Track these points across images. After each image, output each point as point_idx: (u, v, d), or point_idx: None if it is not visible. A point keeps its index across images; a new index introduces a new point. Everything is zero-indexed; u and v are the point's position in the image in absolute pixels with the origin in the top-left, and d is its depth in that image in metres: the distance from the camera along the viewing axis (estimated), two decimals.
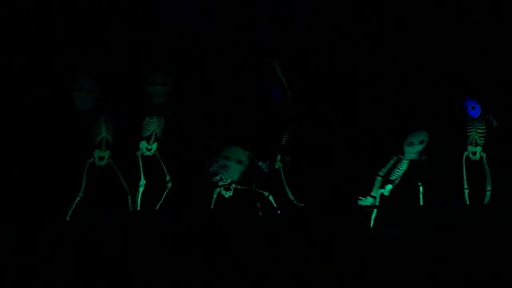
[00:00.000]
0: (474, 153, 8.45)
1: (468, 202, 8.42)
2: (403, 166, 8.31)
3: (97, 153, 7.77)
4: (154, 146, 7.91)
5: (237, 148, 7.93)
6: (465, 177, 8.43)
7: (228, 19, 8.67)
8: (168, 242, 7.12)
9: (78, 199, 7.71)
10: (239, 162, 7.87)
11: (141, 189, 7.88)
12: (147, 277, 6.65)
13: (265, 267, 6.71)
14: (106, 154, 7.77)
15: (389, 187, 8.28)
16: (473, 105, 8.62)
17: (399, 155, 8.34)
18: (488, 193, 8.42)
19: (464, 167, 8.44)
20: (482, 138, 8.44)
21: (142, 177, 7.90)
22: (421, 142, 8.34)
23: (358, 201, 8.17)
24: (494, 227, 7.66)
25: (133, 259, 6.80)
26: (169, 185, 7.96)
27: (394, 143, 8.33)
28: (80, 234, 7.27)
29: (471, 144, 8.50)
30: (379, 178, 8.29)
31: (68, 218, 7.61)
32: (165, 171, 7.94)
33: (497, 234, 7.37)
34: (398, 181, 8.32)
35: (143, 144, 7.90)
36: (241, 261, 6.80)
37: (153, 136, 7.91)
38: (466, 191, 8.42)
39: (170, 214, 7.75)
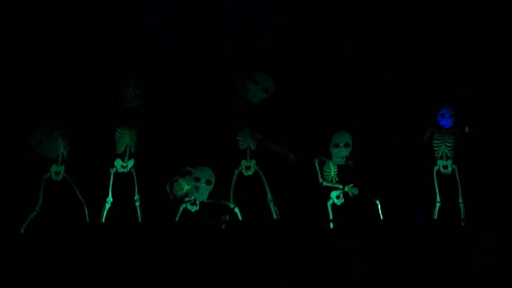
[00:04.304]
0: (445, 167, 8.33)
1: (435, 216, 8.24)
2: (330, 167, 8.14)
3: (54, 168, 7.67)
4: (130, 163, 7.82)
5: (206, 168, 7.85)
6: (437, 191, 8.28)
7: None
8: (133, 254, 7.08)
9: (34, 213, 7.61)
10: (208, 182, 7.80)
11: (107, 206, 7.77)
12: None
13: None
14: (62, 169, 7.67)
15: (334, 194, 8.12)
16: (451, 113, 8.38)
17: (321, 157, 8.14)
18: (462, 205, 8.28)
19: (436, 182, 8.30)
20: (452, 151, 8.32)
21: (110, 194, 7.78)
22: (346, 145, 8.11)
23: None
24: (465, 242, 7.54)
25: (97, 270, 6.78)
26: (138, 203, 7.84)
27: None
28: (42, 246, 7.18)
29: (441, 158, 8.38)
30: (324, 183, 8.11)
31: (22, 231, 7.53)
32: (136, 189, 7.85)
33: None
34: (336, 182, 8.10)
35: (118, 162, 7.81)
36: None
37: (127, 151, 7.80)
38: (438, 205, 8.26)
39: (135, 227, 7.69)
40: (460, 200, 8.28)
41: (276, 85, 8.23)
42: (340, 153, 8.11)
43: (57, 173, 7.66)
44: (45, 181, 7.67)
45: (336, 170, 8.14)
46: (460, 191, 8.28)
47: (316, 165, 8.13)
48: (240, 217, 7.87)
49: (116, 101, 7.91)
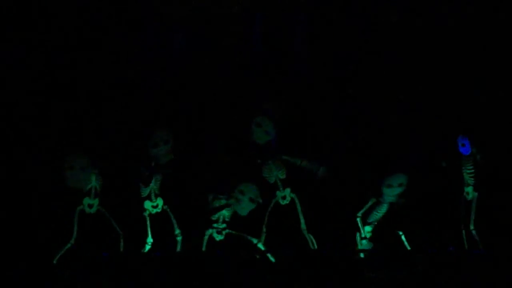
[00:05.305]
0: (467, 193, 8.36)
1: (466, 244, 8.27)
2: (382, 209, 8.21)
3: (86, 200, 7.78)
4: (160, 201, 7.92)
5: (252, 186, 7.97)
6: (461, 218, 8.30)
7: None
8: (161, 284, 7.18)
9: (69, 245, 7.69)
10: (251, 200, 7.90)
11: (147, 247, 7.87)
12: None
13: None
14: (96, 201, 7.78)
15: (367, 228, 8.18)
16: (463, 143, 8.50)
17: (378, 198, 8.22)
18: (474, 232, 8.30)
19: (462, 208, 8.31)
20: (472, 178, 8.36)
21: (150, 235, 7.89)
22: (399, 185, 8.18)
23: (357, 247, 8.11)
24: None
25: None
26: (179, 238, 7.94)
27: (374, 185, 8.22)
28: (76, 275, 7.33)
29: (464, 185, 8.39)
30: (358, 219, 8.17)
31: (55, 262, 7.60)
32: (174, 223, 7.95)
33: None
34: (376, 223, 8.19)
35: (147, 204, 7.92)
36: None
37: (152, 193, 7.91)
38: (464, 232, 8.27)
39: (163, 256, 7.72)
40: (472, 227, 8.30)
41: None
42: (393, 192, 8.18)
43: (90, 206, 7.77)
44: (78, 213, 7.77)
45: (385, 213, 8.19)
46: (472, 218, 8.30)
47: (369, 204, 8.18)
48: (263, 250, 7.90)
49: (148, 167, 8.02)
